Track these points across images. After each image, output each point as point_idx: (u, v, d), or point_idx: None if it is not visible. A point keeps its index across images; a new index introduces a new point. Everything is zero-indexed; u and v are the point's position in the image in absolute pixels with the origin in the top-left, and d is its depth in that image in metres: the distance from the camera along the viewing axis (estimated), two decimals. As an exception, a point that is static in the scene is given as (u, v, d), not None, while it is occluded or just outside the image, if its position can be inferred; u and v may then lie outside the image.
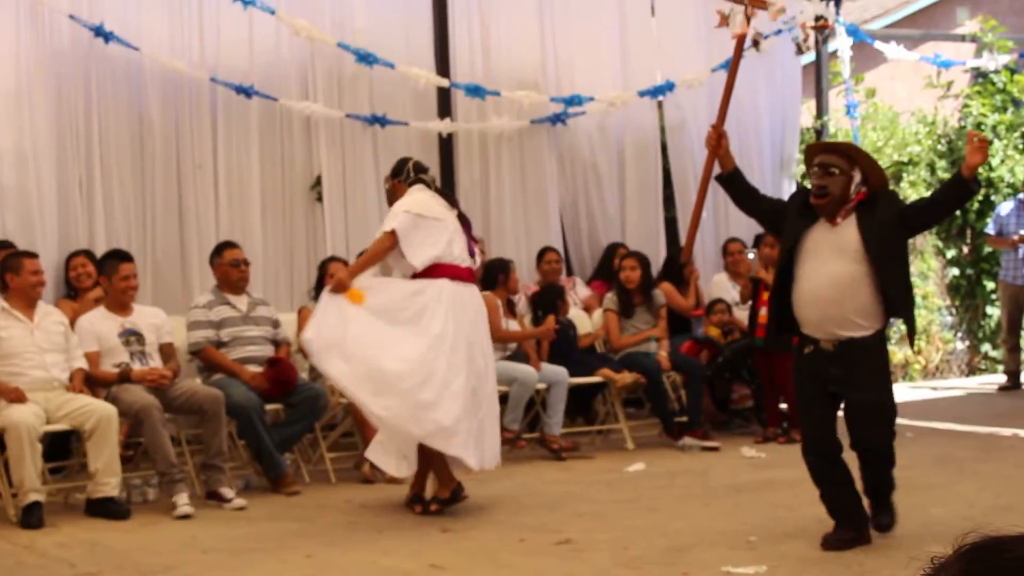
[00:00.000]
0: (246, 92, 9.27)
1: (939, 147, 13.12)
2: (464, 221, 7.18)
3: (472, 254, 7.13)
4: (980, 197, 13.01)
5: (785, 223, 6.04)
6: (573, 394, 9.17)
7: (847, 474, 5.90)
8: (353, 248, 9.29)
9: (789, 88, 11.75)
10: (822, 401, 5.88)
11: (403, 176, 7.18)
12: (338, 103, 9.68)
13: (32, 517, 6.91)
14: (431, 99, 10.03)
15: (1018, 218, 11.68)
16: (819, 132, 12.05)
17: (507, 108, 10.29)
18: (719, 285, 10.44)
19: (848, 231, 5.78)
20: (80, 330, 7.64)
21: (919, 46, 13.52)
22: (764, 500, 7.17)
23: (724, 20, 6.66)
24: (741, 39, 6.58)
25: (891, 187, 12.57)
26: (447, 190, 7.47)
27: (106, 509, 7.13)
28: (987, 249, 12.90)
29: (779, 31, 10.76)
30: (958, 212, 13.10)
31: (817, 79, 12.07)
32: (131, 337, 7.75)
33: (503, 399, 8.66)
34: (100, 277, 8.02)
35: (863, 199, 5.81)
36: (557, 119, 10.56)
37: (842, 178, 5.80)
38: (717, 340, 9.85)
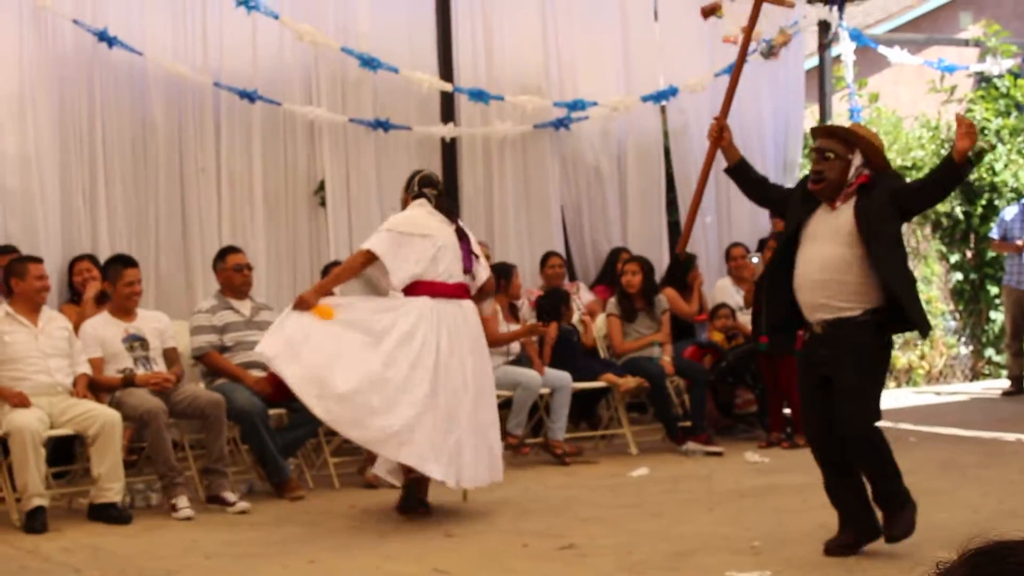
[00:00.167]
0: (249, 97, 9.27)
1: (942, 152, 13.12)
2: (462, 236, 7.16)
3: (468, 270, 7.12)
4: (984, 202, 13.03)
5: (788, 211, 6.05)
6: (576, 399, 9.17)
7: (848, 472, 5.85)
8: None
9: (792, 92, 11.75)
10: (819, 393, 5.84)
11: (409, 190, 7.22)
12: (341, 108, 9.69)
13: (36, 522, 6.92)
14: (434, 104, 10.04)
15: (1022, 223, 11.67)
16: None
17: (510, 113, 10.29)
18: (722, 290, 10.44)
19: (845, 215, 5.75)
20: (84, 335, 7.65)
21: (922, 50, 13.50)
22: (768, 505, 7.18)
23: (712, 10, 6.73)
24: (748, 36, 6.62)
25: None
26: (450, 201, 7.44)
27: (109, 514, 7.13)
28: (991, 254, 12.89)
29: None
30: (962, 217, 13.12)
31: (820, 84, 12.06)
32: (135, 342, 7.76)
33: (507, 404, 8.67)
34: (104, 282, 8.04)
35: (865, 182, 5.75)
36: (560, 124, 10.56)
37: (838, 162, 5.78)
38: (721, 345, 9.86)
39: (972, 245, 13.33)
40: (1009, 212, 11.82)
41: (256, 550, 6.42)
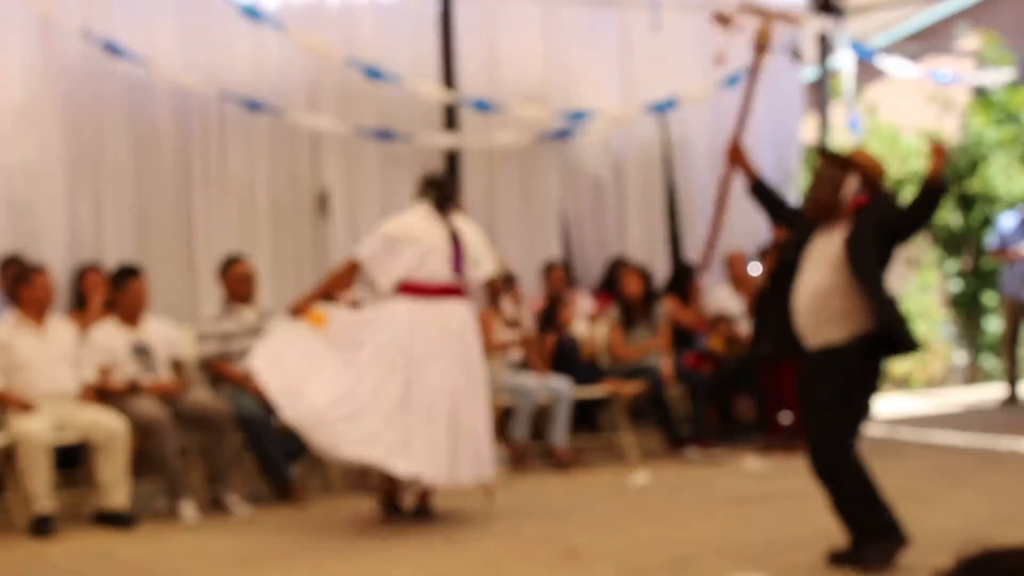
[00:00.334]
0: (253, 106, 9.33)
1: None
2: (457, 236, 7.22)
3: (457, 270, 7.18)
4: (981, 211, 13.09)
5: (793, 232, 6.07)
6: (577, 406, 9.23)
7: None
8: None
9: (790, 104, 11.79)
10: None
11: (418, 192, 7.38)
12: (345, 117, 9.74)
13: (42, 528, 6.98)
14: (436, 114, 10.09)
15: (1020, 232, 11.72)
16: (821, 149, 12.09)
17: (512, 123, 10.34)
18: (721, 297, 10.49)
19: (837, 239, 5.74)
20: (90, 343, 7.72)
21: (919, 61, 13.56)
22: (767, 511, 7.23)
23: (724, 21, 6.78)
24: (759, 56, 6.69)
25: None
26: (446, 197, 7.42)
27: (114, 520, 7.20)
28: (988, 262, 12.94)
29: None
30: (960, 224, 13.19)
31: (819, 96, 12.10)
32: (141, 351, 7.83)
33: (508, 411, 8.74)
34: (112, 292, 8.10)
35: (861, 207, 5.74)
36: (562, 133, 10.61)
37: (829, 185, 5.80)
38: (721, 352, 9.91)
39: (970, 254, 13.39)
40: (1007, 221, 11.87)
41: (260, 556, 6.47)
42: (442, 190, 7.38)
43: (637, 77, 11.03)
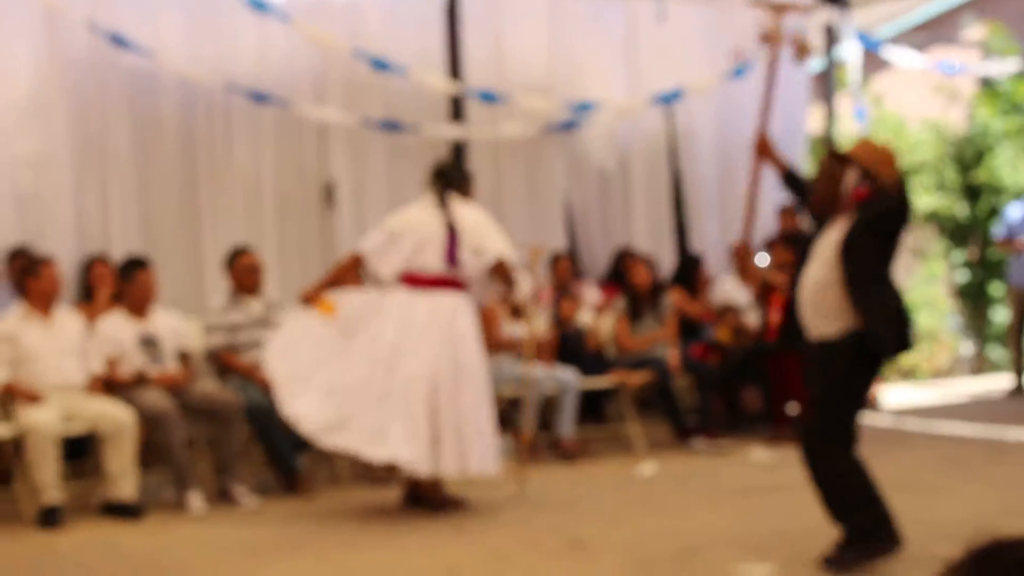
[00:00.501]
0: (260, 98, 9.33)
1: (947, 152, 13.19)
2: (452, 228, 7.21)
3: (451, 261, 7.18)
4: (987, 202, 13.08)
5: (814, 223, 6.06)
6: (584, 397, 9.24)
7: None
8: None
9: (796, 95, 11.77)
10: None
11: (426, 182, 7.47)
12: (351, 109, 9.74)
13: (50, 518, 7.00)
14: (443, 105, 10.09)
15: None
16: (827, 139, 12.10)
17: (518, 114, 10.34)
18: (727, 287, 10.50)
19: (837, 234, 5.71)
20: (98, 334, 7.74)
21: (926, 51, 13.54)
22: (774, 502, 7.23)
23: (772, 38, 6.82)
24: (774, 48, 6.71)
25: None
26: (452, 191, 7.42)
27: (122, 511, 7.22)
28: (995, 252, 12.94)
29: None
30: (966, 215, 13.18)
31: (825, 86, 12.09)
32: (148, 342, 7.84)
33: (515, 402, 8.74)
34: (120, 283, 8.12)
35: (863, 200, 5.69)
36: (568, 125, 10.61)
37: (828, 178, 5.79)
38: (727, 343, 9.92)
39: (976, 244, 13.38)
40: (1014, 211, 11.86)
41: (268, 547, 6.48)
42: (446, 180, 7.38)
43: (643, 68, 11.02)
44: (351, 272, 7.41)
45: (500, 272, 7.29)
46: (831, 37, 11.81)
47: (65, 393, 7.39)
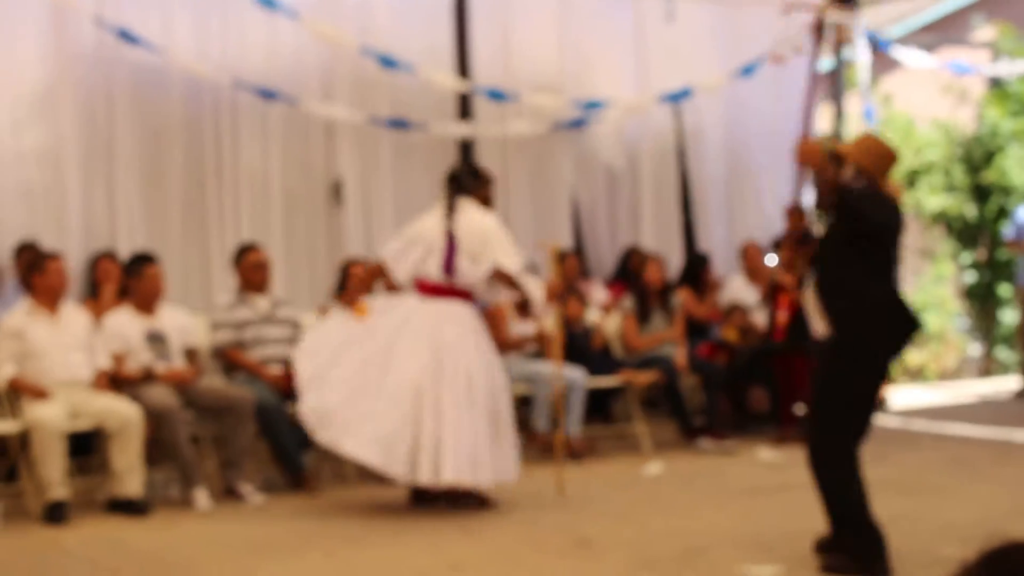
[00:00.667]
0: (267, 95, 9.33)
1: (956, 152, 13.15)
2: (451, 236, 7.19)
3: (448, 270, 7.18)
4: (996, 203, 13.05)
5: None
6: (590, 396, 9.23)
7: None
8: (373, 250, 9.34)
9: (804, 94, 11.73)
10: None
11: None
12: (359, 106, 9.74)
13: (56, 514, 7.00)
14: (451, 102, 10.08)
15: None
16: (836, 138, 12.07)
17: (527, 112, 10.33)
18: (735, 287, 10.49)
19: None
20: (105, 330, 7.73)
21: (935, 52, 13.50)
22: (781, 502, 7.22)
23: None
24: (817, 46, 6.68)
25: (906, 192, 12.63)
26: (454, 192, 7.39)
27: (128, 507, 7.21)
28: (1004, 253, 12.91)
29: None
30: (975, 215, 13.14)
31: (834, 86, 12.05)
32: (155, 338, 7.84)
33: (526, 400, 8.74)
34: (127, 279, 8.11)
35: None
36: (576, 123, 10.60)
37: (821, 177, 5.76)
38: (735, 343, 9.90)
39: (985, 245, 13.35)
40: (1022, 212, 11.83)
41: (274, 543, 6.48)
42: (457, 185, 7.35)
43: (651, 67, 11.01)
44: (375, 277, 7.53)
45: (501, 280, 7.26)
46: (840, 37, 11.78)
47: (71, 389, 7.38)
